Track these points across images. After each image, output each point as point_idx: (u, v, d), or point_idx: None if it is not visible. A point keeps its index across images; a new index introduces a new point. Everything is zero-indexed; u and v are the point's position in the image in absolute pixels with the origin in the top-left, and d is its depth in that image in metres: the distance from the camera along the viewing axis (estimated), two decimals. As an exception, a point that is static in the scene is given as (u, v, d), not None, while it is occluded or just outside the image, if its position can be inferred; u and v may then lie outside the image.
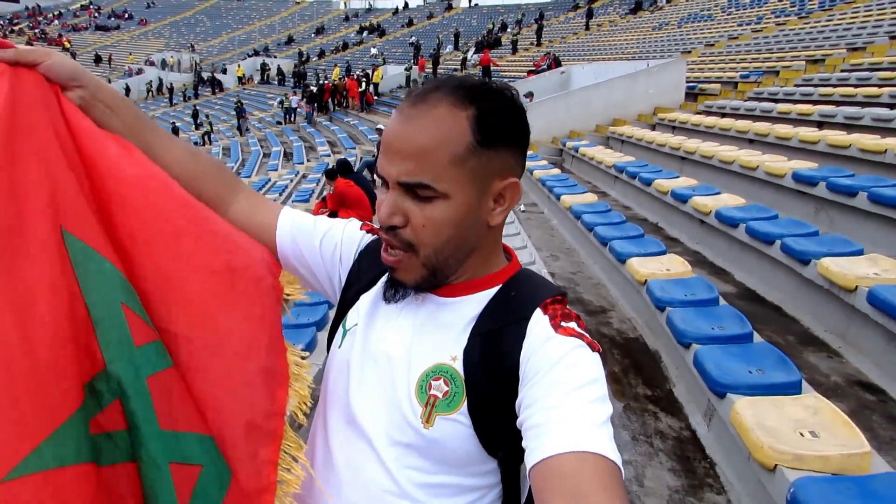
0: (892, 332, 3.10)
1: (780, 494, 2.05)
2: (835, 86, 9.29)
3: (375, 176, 0.90)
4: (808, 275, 3.86)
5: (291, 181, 15.42)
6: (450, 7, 47.94)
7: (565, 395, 0.78)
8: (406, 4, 50.95)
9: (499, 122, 0.86)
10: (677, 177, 6.88)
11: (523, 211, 8.21)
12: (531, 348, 0.85)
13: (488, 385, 0.86)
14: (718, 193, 5.76)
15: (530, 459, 0.75)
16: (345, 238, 1.11)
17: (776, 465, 2.10)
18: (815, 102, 8.71)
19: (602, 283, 5.28)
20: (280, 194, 13.89)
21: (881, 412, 2.88)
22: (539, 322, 0.87)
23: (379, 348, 0.95)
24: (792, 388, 2.55)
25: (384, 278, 1.02)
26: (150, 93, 37.78)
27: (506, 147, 0.88)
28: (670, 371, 3.69)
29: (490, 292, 0.94)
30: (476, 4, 47.46)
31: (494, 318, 0.90)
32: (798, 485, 1.93)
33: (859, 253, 3.80)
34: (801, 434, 2.22)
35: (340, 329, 1.05)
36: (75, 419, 0.74)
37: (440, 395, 0.87)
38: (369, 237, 1.11)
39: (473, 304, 0.93)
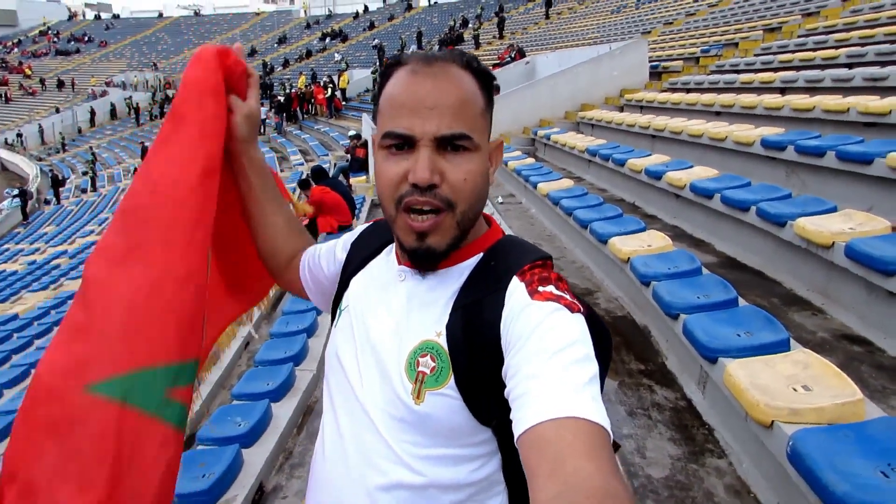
0: (871, 284, 3.17)
1: (779, 450, 2.08)
2: (793, 51, 9.43)
3: (381, 142, 0.91)
4: (785, 237, 3.93)
5: (266, 193, 15.27)
6: (410, 7, 47.90)
7: (544, 362, 0.78)
8: (366, 8, 50.80)
9: (491, 89, 0.95)
10: (649, 155, 6.94)
11: (501, 203, 8.24)
12: (510, 317, 0.86)
13: (472, 358, 0.88)
14: (691, 167, 5.83)
15: (515, 431, 0.76)
16: (342, 238, 1.20)
17: (773, 422, 2.14)
18: (775, 70, 8.83)
19: (586, 266, 5.33)
20: (256, 207, 13.77)
21: (870, 362, 2.94)
22: (516, 290, 0.88)
23: (370, 327, 0.98)
24: (781, 347, 2.60)
25: (375, 260, 1.08)
26: (130, 111, 37.10)
27: (491, 112, 0.95)
28: (661, 344, 3.74)
29: (471, 262, 0.95)
30: (436, 3, 47.49)
31: (474, 289, 0.92)
32: (796, 437, 1.97)
33: (833, 210, 3.87)
34: (794, 389, 2.26)
35: (337, 312, 1.09)
36: (162, 370, 0.96)
37: (428, 371, 0.89)
38: (365, 229, 1.18)
39: (456, 276, 0.95)
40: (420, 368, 0.90)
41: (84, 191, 25.97)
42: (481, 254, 0.96)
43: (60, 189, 25.73)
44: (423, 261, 0.93)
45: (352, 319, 1.02)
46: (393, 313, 0.96)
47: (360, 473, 0.92)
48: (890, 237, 3.26)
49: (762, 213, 4.16)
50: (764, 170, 5.65)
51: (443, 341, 0.90)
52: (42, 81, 44.93)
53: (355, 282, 1.08)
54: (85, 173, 27.43)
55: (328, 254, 1.20)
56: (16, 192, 23.29)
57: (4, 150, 35.81)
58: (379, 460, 0.91)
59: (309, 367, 4.44)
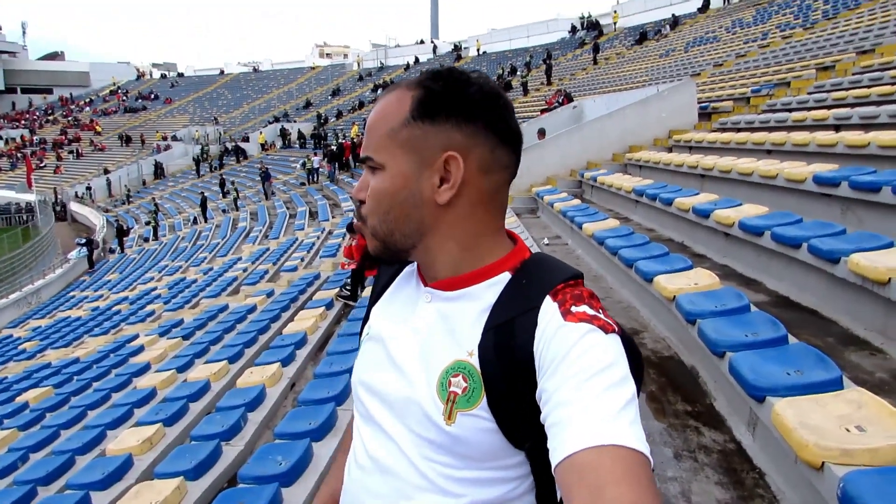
0: (933, 322, 3.00)
1: (830, 492, 1.96)
2: (847, 89, 9.22)
3: None
4: (839, 273, 3.77)
5: (318, 238, 15.69)
6: (459, 58, 49.04)
7: (577, 387, 0.76)
8: (416, 59, 52.26)
9: (439, 98, 0.90)
10: (698, 193, 6.83)
11: (547, 244, 8.21)
12: (543, 339, 0.84)
13: (505, 379, 0.86)
14: (740, 205, 5.70)
15: (553, 461, 0.74)
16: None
17: (823, 463, 2.02)
18: (829, 107, 8.63)
19: (632, 306, 5.22)
20: (308, 251, 14.13)
21: (932, 404, 2.76)
22: (548, 310, 0.86)
23: (397, 350, 0.97)
24: (833, 385, 2.47)
25: (394, 284, 1.09)
26: (198, 164, 38.77)
27: (447, 121, 0.90)
28: (708, 385, 3.60)
29: (499, 281, 0.93)
30: (484, 52, 48.44)
31: (506, 309, 0.90)
32: (847, 479, 1.85)
33: (889, 246, 3.71)
34: (847, 430, 2.14)
35: (360, 343, 1.10)
36: None
37: (460, 392, 0.87)
38: None
39: (483, 295, 0.93)
40: (452, 389, 0.88)
41: (146, 240, 27.07)
42: (508, 272, 0.94)
43: (125, 238, 26.89)
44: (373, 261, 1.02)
45: (374, 345, 1.02)
46: (420, 334, 0.95)
47: (388, 500, 0.92)
48: (951, 272, 3.09)
49: (814, 250, 4.01)
50: (818, 207, 5.47)
51: (475, 361, 0.88)
52: (122, 138, 47.65)
53: (375, 310, 1.08)
54: (148, 223, 28.65)
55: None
56: (83, 241, 24.45)
57: (75, 202, 37.80)
58: (406, 487, 0.90)
59: (351, 406, 4.45)
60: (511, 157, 0.95)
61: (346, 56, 71.38)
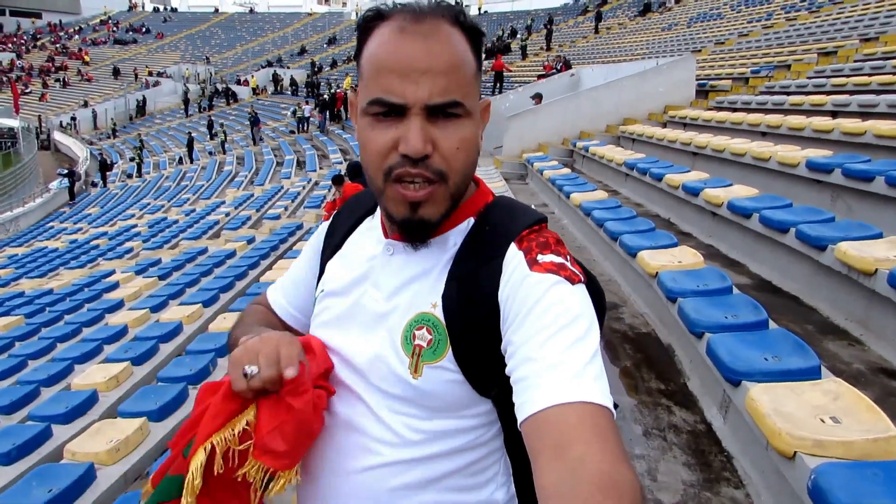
0: (915, 317, 2.97)
1: (800, 483, 1.93)
2: (847, 76, 9.10)
3: (366, 108, 0.83)
4: (825, 261, 3.72)
5: (304, 188, 15.49)
6: (458, 14, 47.99)
7: (542, 344, 0.75)
8: (415, 13, 51.10)
9: (481, 46, 0.88)
10: (688, 171, 6.74)
11: (533, 210, 8.11)
12: (508, 289, 0.83)
13: (470, 329, 0.85)
14: (730, 185, 5.62)
15: (518, 417, 0.74)
16: (313, 243, 1.12)
17: (795, 453, 1.98)
18: (827, 93, 8.52)
19: (614, 280, 5.17)
20: (292, 201, 13.95)
21: (907, 399, 2.74)
22: (514, 258, 0.84)
23: (359, 306, 0.94)
24: (810, 374, 2.42)
25: (353, 236, 1.03)
26: (186, 104, 37.86)
27: (481, 71, 0.88)
28: (684, 364, 3.57)
29: (462, 228, 0.91)
30: (486, 12, 47.48)
31: (469, 258, 0.88)
32: (819, 471, 1.81)
33: (878, 236, 3.65)
34: (822, 420, 2.10)
35: (315, 300, 1.04)
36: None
37: (425, 345, 0.86)
38: (340, 208, 1.13)
39: (447, 244, 0.90)
40: (416, 342, 0.86)
41: (130, 176, 26.67)
42: (472, 219, 0.91)
43: (108, 173, 26.44)
44: (414, 232, 0.87)
45: (334, 301, 0.97)
46: (382, 288, 0.92)
47: (353, 457, 0.89)
48: (939, 268, 3.05)
49: (802, 236, 3.95)
50: (808, 193, 5.41)
51: (439, 313, 0.86)
52: (114, 71, 46.46)
53: (332, 263, 1.02)
54: (132, 159, 28.14)
55: (307, 264, 1.11)
56: (65, 172, 23.99)
57: (58, 132, 36.98)
58: (372, 442, 0.88)
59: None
60: None
61: (344, 4, 69.81)
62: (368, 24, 0.85)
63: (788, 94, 9.49)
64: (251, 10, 67.87)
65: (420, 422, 0.87)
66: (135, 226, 15.31)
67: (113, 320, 6.79)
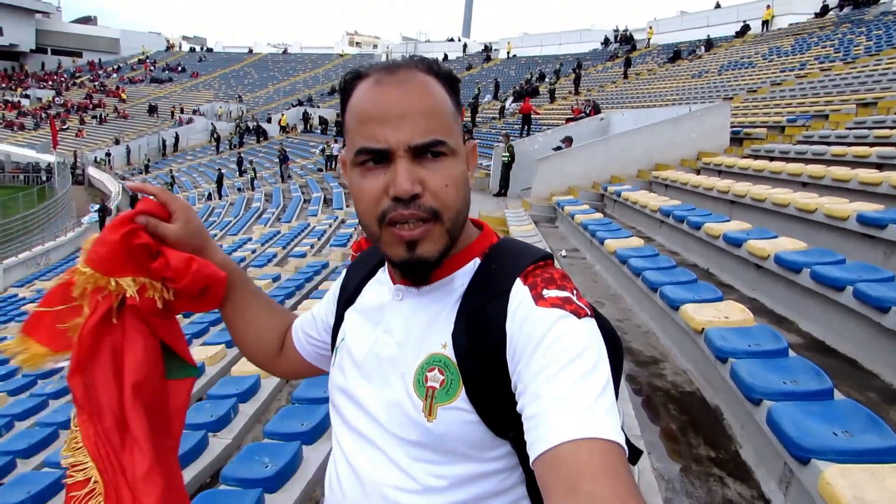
0: None
1: (891, 586, 1.70)
2: (891, 127, 8.89)
3: (354, 160, 0.87)
4: (887, 324, 3.48)
5: (330, 226, 15.51)
6: (488, 59, 48.80)
7: (550, 380, 0.75)
8: (445, 56, 52.09)
9: (457, 92, 0.92)
10: (728, 220, 6.53)
11: (564, 256, 7.93)
12: (514, 323, 0.83)
13: (480, 367, 0.84)
14: (775, 237, 5.40)
15: (530, 455, 0.74)
16: (333, 289, 1.15)
17: (884, 551, 1.76)
18: (871, 144, 8.29)
19: (652, 332, 4.95)
20: (318, 238, 13.95)
21: None
22: (519, 294, 0.85)
23: (372, 353, 0.95)
24: (890, 455, 2.19)
25: (368, 286, 1.05)
26: (213, 140, 38.79)
27: (461, 115, 0.92)
28: (735, 430, 3.33)
29: (468, 269, 0.92)
30: (514, 55, 48.11)
31: (476, 296, 0.88)
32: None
33: (945, 299, 3.42)
34: (909, 511, 1.87)
35: (335, 349, 1.06)
36: None
37: (437, 386, 0.86)
38: (356, 258, 1.15)
39: (455, 285, 0.91)
40: (429, 384, 0.87)
41: (160, 210, 27.02)
42: (478, 259, 0.93)
43: (138, 207, 26.83)
44: (415, 271, 0.89)
45: (350, 350, 0.99)
46: (394, 333, 0.93)
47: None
48: None
49: (860, 295, 3.72)
50: (858, 249, 5.16)
51: (449, 352, 0.87)
52: (151, 108, 47.92)
53: (350, 312, 1.05)
54: (162, 194, 28.58)
55: (326, 305, 1.15)
56: (97, 207, 24.42)
57: (93, 167, 37.90)
58: (392, 491, 0.87)
59: (324, 446, 4.21)
60: None
61: (375, 46, 71.36)
62: (348, 84, 0.90)
63: (829, 144, 9.28)
64: (284, 51, 69.59)
65: (440, 467, 0.86)
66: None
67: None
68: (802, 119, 11.84)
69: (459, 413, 0.85)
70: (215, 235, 18.14)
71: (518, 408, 0.79)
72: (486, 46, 51.58)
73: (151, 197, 1.09)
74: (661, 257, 5.67)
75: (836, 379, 3.36)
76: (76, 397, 1.02)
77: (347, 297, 1.07)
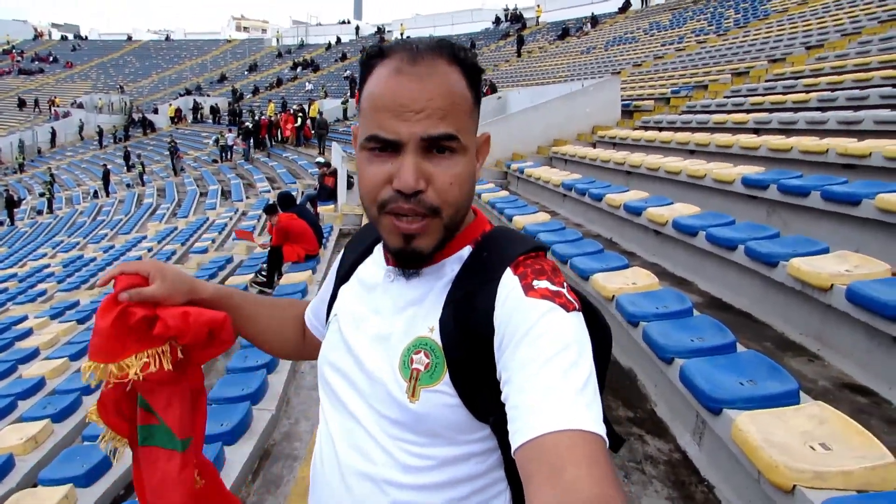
0: (873, 330, 3.00)
1: (803, 518, 1.85)
2: (763, 94, 9.57)
3: (364, 143, 0.86)
4: (776, 277, 3.77)
5: (230, 219, 14.94)
6: (382, 40, 48.06)
7: (536, 373, 0.76)
8: (338, 39, 51.06)
9: (479, 83, 0.90)
10: (627, 190, 6.83)
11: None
12: (503, 314, 0.83)
13: (466, 353, 0.85)
14: (671, 204, 5.70)
15: (512, 444, 0.75)
16: (333, 266, 1.16)
17: (794, 486, 1.91)
18: (748, 111, 8.91)
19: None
20: (220, 233, 13.40)
21: (879, 416, 2.74)
22: (509, 283, 0.85)
23: (360, 331, 0.96)
24: (790, 398, 2.38)
25: (364, 264, 1.05)
26: (82, 136, 36.21)
27: (479, 108, 0.90)
28: (649, 389, 3.52)
29: (460, 255, 0.93)
30: (408, 37, 47.69)
31: (466, 283, 0.89)
32: (826, 507, 1.74)
33: (825, 251, 3.74)
34: (812, 448, 2.04)
35: (327, 324, 1.08)
36: None
37: (422, 368, 0.87)
38: (355, 233, 1.17)
39: (446, 271, 0.92)
40: (414, 366, 0.87)
41: (40, 212, 25.05)
42: (469, 246, 0.93)
43: (15, 210, 24.74)
44: (408, 262, 0.91)
45: (340, 326, 1.00)
46: (383, 314, 0.94)
47: (356, 482, 0.90)
48: (891, 280, 3.11)
49: (751, 253, 4.00)
50: (744, 209, 5.55)
51: (436, 336, 0.88)
52: (19, 102, 43.91)
53: (344, 289, 1.06)
54: (42, 194, 26.49)
55: (328, 283, 1.15)
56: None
57: (-42, 168, 34.50)
58: (375, 467, 0.89)
59: (268, 406, 4.09)
60: None
61: (264, 31, 68.92)
62: (369, 60, 0.88)
63: (710, 112, 9.87)
64: (167, 38, 65.80)
65: (419, 448, 0.87)
66: (47, 265, 14.31)
67: (27, 372, 6.17)
68: (685, 90, 12.50)
69: (442, 396, 0.86)
70: (105, 235, 17.06)
71: (502, 397, 0.80)
72: (378, 28, 50.88)
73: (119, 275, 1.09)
74: (568, 230, 5.86)
75: (735, 332, 3.61)
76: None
77: (343, 275, 1.08)
